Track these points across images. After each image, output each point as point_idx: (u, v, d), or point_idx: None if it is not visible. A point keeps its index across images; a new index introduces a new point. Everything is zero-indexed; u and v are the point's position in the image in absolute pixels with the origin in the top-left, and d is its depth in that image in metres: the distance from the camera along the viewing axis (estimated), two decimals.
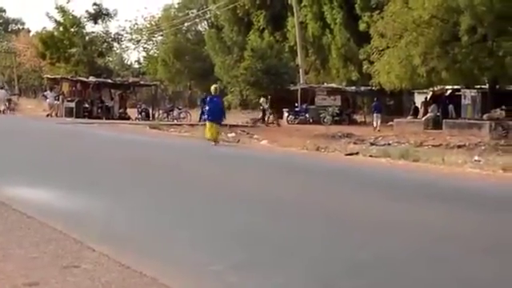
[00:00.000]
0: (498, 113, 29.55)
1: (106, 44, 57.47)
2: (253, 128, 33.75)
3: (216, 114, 20.40)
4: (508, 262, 5.94)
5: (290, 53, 48.66)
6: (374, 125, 35.70)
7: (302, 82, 45.01)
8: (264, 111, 40.23)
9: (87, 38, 55.95)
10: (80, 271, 5.22)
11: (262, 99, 40.49)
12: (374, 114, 36.57)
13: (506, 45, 27.27)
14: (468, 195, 10.48)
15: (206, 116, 21.39)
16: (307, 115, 40.36)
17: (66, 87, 41.67)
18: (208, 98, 21.65)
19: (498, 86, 31.62)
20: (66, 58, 54.13)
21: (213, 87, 21.27)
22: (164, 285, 4.93)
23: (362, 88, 43.21)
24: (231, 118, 41.98)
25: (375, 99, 38.31)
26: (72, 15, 55.20)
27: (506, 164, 14.20)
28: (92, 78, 41.82)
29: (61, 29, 55.48)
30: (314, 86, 45.35)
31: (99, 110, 38.78)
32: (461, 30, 28.33)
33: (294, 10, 47.20)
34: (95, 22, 55.91)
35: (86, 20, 55.80)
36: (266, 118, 39.89)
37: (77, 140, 21.43)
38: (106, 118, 36.55)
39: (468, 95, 33.96)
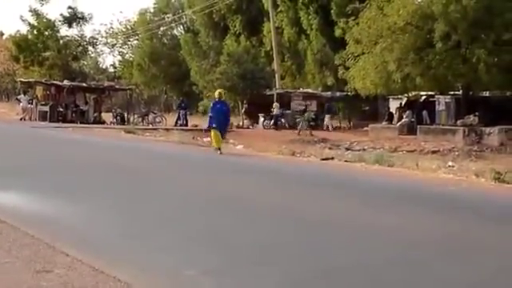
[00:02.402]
0: (472, 119, 29.81)
1: (80, 48, 56.99)
2: (229, 133, 33.69)
3: (222, 122, 19.37)
4: (479, 265, 5.99)
5: (266, 58, 48.70)
6: (324, 127, 36.85)
7: (277, 86, 45.06)
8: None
9: (62, 41, 55.47)
10: (53, 276, 5.16)
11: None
12: (326, 115, 38.00)
13: (479, 52, 27.57)
14: (441, 200, 10.56)
15: (209, 123, 20.07)
16: (283, 120, 40.40)
17: (39, 91, 41.29)
18: (212, 104, 20.39)
19: (471, 93, 31.93)
20: (40, 61, 53.60)
21: (217, 92, 20.19)
22: None
23: (338, 93, 43.38)
24: (207, 122, 41.99)
25: (326, 104, 39.76)
26: (46, 18, 54.70)
27: (479, 170, 14.36)
28: (66, 82, 41.45)
29: (35, 32, 54.92)
30: (290, 90, 45.42)
31: (73, 114, 38.41)
32: (435, 37, 28.60)
33: (270, 15, 47.27)
34: (70, 26, 55.43)
35: (60, 23, 55.30)
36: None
37: (50, 144, 21.22)
38: (81, 122, 36.26)
39: (442, 101, 34.24)
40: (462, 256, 6.39)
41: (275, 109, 39.04)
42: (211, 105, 20.30)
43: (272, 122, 39.89)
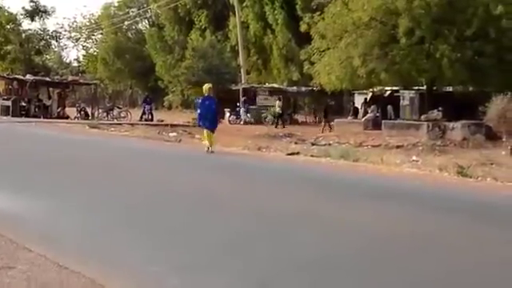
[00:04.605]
0: (435, 114, 30.15)
1: (43, 42, 56.27)
2: (194, 128, 33.58)
3: (210, 121, 17.86)
4: (442, 259, 6.06)
5: (232, 52, 48.68)
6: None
7: (243, 81, 45.09)
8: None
9: (24, 35, 54.72)
10: (16, 272, 5.08)
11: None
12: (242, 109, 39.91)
13: (442, 47, 27.89)
14: (406, 195, 10.66)
15: (198, 121, 18.53)
16: (249, 115, 40.43)
17: (1, 85, 40.62)
18: (200, 100, 18.54)
19: (435, 88, 32.29)
20: (2, 55, 52.83)
21: (205, 86, 18.20)
22: (102, 286, 4.85)
23: (303, 88, 43.58)
24: (173, 117, 41.85)
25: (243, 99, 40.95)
26: (7, 12, 53.93)
27: (442, 164, 14.52)
28: (29, 76, 40.88)
29: None
30: (256, 85, 45.49)
31: (37, 109, 37.91)
32: (399, 33, 28.85)
33: (236, 9, 47.25)
34: (32, 19, 54.68)
35: (22, 17, 54.56)
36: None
37: (14, 139, 20.90)
38: (44, 117, 35.77)
39: (406, 96, 34.59)
40: (427, 251, 6.45)
41: (277, 108, 38.44)
42: (199, 101, 18.67)
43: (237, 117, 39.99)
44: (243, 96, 41.56)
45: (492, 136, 25.38)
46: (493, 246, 6.76)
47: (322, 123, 35.40)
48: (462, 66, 28.20)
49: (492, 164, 15.79)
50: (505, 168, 14.51)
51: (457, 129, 27.41)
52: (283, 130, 33.80)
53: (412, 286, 5.16)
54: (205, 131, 17.90)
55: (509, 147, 21.40)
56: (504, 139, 22.86)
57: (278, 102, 38.58)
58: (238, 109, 41.03)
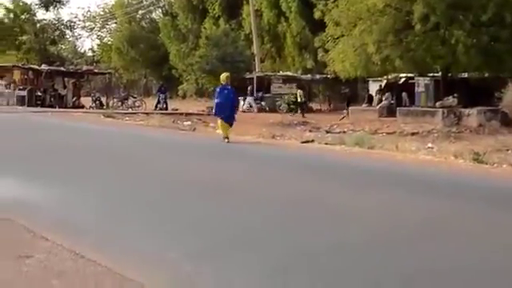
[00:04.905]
0: (451, 100, 30.00)
1: (58, 31, 56.54)
2: (209, 116, 33.62)
3: (227, 111, 17.30)
4: (458, 246, 6.05)
5: (246, 41, 48.59)
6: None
7: (257, 70, 45.03)
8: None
9: (38, 25, 54.97)
10: (33, 261, 5.13)
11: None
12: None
13: (457, 33, 27.68)
14: (421, 181, 10.63)
15: (215, 111, 17.92)
16: (263, 103, 40.39)
17: (17, 75, 40.78)
18: (218, 89, 17.88)
19: (450, 74, 32.09)
20: (17, 45, 53.09)
21: (223, 75, 17.81)
22: (119, 274, 4.88)
23: (318, 76, 43.45)
24: (187, 106, 41.90)
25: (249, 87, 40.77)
26: (22, 2, 54.20)
27: (458, 151, 14.45)
28: (44, 66, 41.06)
29: (11, 15, 54.34)
30: (270, 74, 45.41)
31: (52, 99, 38.08)
32: (414, 19, 28.64)
33: None
34: (47, 9, 54.94)
35: (37, 7, 54.86)
36: None
37: (30, 129, 21.04)
38: (59, 107, 35.94)
39: (421, 83, 34.41)
40: (443, 237, 6.44)
41: (299, 97, 37.86)
42: (217, 90, 17.98)
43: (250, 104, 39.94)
44: (250, 85, 41.39)
45: (508, 122, 25.22)
46: (509, 231, 6.74)
47: (345, 111, 35.04)
48: (478, 52, 27.98)
49: (508, 150, 15.70)
50: None
51: (472, 115, 27.24)
52: (302, 118, 33.67)
53: (429, 273, 5.16)
54: (219, 121, 17.55)
55: None
56: None
57: (299, 91, 38.20)
58: (246, 96, 40.55)
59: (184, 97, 55.51)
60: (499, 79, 28.91)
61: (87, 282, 4.70)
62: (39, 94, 37.97)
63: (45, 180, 9.58)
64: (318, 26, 36.55)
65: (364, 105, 37.59)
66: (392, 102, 34.91)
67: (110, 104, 40.05)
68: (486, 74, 31.74)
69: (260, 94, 41.14)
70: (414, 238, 6.32)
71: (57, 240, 5.74)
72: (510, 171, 11.98)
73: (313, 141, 18.41)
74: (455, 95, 30.22)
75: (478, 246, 6.10)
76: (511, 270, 5.39)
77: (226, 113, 17.31)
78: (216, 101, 17.77)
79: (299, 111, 36.32)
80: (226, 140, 16.96)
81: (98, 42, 74.49)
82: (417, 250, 5.88)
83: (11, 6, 53.99)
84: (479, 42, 27.86)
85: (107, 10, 70.76)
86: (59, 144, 15.68)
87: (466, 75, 32.93)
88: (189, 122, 26.74)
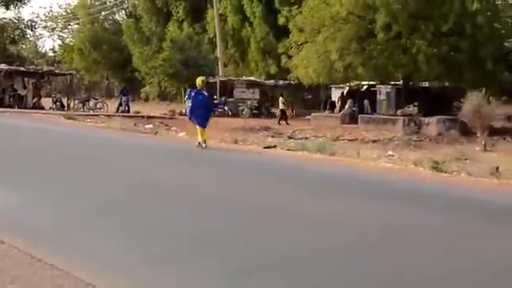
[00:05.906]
0: (411, 109, 30.35)
1: (18, 31, 55.55)
2: (171, 120, 33.46)
3: (202, 117, 17.00)
4: (417, 250, 6.11)
5: (210, 45, 48.46)
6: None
7: (220, 74, 44.96)
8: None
9: None
10: None
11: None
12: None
13: (418, 42, 28.05)
14: (381, 189, 10.72)
15: (189, 116, 17.54)
16: (226, 108, 40.34)
17: None
18: (193, 93, 17.59)
19: (411, 83, 32.50)
20: None
21: (199, 79, 17.43)
22: (76, 277, 4.81)
23: (281, 82, 43.57)
24: (149, 109, 41.62)
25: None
26: None
27: (418, 159, 14.64)
28: (4, 66, 40.32)
29: None
30: (233, 78, 45.38)
31: (11, 99, 37.48)
32: (377, 27, 28.94)
33: (214, 1, 47.04)
34: (7, 8, 53.93)
35: None
36: None
37: None
38: (19, 108, 35.36)
39: (383, 91, 34.73)
40: (402, 242, 6.50)
41: (281, 104, 37.06)
42: (192, 94, 17.73)
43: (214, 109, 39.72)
44: (220, 89, 41.32)
45: (467, 131, 25.61)
46: (464, 237, 6.84)
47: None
48: (438, 62, 28.39)
49: (466, 159, 15.97)
50: (478, 163, 14.66)
51: (432, 124, 27.62)
52: (260, 122, 33.66)
53: (387, 277, 5.19)
54: (198, 128, 17.01)
55: (482, 143, 21.63)
56: (478, 135, 23.07)
57: (281, 98, 37.82)
58: (215, 101, 40.46)
59: (147, 99, 55.11)
60: (459, 89, 29.41)
61: (44, 285, 4.62)
62: None
63: (2, 184, 9.41)
64: (282, 32, 36.67)
65: (326, 111, 37.81)
66: (354, 109, 35.20)
67: (71, 105, 39.51)
68: (446, 84, 32.24)
69: (223, 99, 41.08)
70: (371, 244, 6.37)
71: (13, 243, 5.64)
72: (467, 180, 12.17)
73: (275, 146, 18.44)
74: (416, 104, 30.59)
75: (433, 249, 6.20)
76: (468, 272, 5.46)
77: (202, 117, 17.01)
78: (190, 104, 17.46)
79: (283, 120, 35.65)
80: (204, 145, 16.66)
81: (59, 42, 73.55)
82: (375, 254, 5.92)
83: None
84: (440, 52, 28.29)
85: (69, 11, 69.95)
86: (16, 145, 15.42)
87: (426, 84, 33.39)
88: (150, 125, 26.57)
